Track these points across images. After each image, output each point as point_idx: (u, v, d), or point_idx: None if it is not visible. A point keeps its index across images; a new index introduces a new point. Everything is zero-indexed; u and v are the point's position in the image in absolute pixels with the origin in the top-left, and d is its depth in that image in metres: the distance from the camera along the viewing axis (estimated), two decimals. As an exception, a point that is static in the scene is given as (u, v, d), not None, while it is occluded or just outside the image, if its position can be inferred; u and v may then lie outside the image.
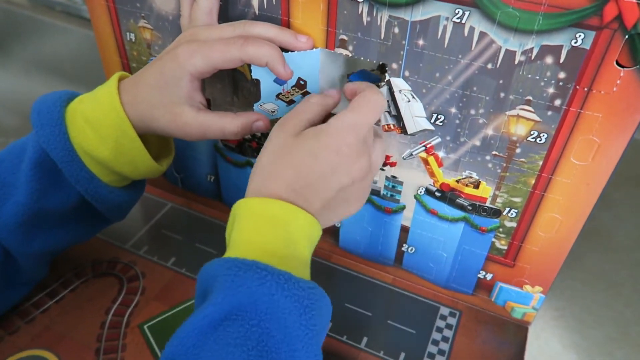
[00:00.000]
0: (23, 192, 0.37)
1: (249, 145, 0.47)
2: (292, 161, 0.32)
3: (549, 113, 0.33)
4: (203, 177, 0.53)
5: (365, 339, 0.43)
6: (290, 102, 0.39)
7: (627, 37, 0.28)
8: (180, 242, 0.52)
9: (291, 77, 0.37)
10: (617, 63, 0.29)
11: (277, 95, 0.39)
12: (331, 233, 0.49)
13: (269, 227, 0.31)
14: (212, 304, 0.28)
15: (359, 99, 0.34)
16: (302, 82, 0.38)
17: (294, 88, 0.38)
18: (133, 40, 0.46)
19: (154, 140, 0.42)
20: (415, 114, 0.37)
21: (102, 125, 0.36)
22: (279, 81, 0.38)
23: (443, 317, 0.46)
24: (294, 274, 0.30)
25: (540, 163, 0.35)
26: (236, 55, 0.35)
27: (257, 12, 0.38)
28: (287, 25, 0.37)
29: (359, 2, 0.34)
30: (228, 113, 0.38)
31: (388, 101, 0.37)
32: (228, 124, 0.38)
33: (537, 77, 0.32)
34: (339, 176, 0.33)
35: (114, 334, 0.43)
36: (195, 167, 0.52)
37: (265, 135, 0.43)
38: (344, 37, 0.36)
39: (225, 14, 0.39)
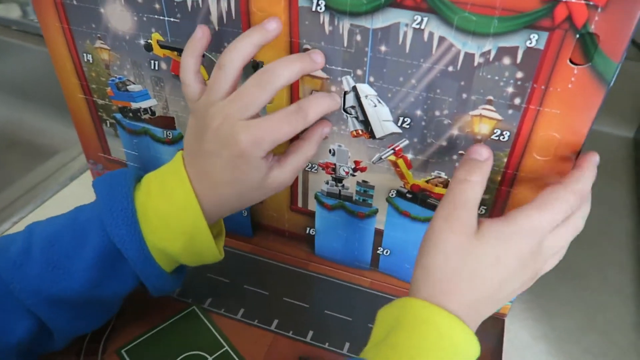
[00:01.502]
0: (79, 280, 0.36)
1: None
2: (469, 270, 0.30)
3: (510, 112, 0.34)
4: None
5: (347, 345, 0.43)
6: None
7: (578, 36, 0.30)
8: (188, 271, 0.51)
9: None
10: (571, 61, 0.31)
11: None
12: (307, 241, 0.49)
13: (447, 354, 0.29)
14: None
15: (547, 195, 0.31)
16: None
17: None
18: (90, 61, 0.45)
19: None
20: (382, 118, 0.38)
21: (175, 220, 0.36)
22: None
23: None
24: None
25: (505, 160, 0.36)
26: (301, 127, 0.35)
27: (217, 27, 0.38)
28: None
29: (319, 12, 0.34)
30: (298, 141, 0.38)
31: (355, 107, 0.38)
32: (308, 152, 0.38)
33: (497, 78, 0.33)
34: (513, 283, 0.31)
35: (91, 362, 0.42)
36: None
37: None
38: (308, 46, 0.36)
39: (184, 31, 0.39)
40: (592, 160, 0.32)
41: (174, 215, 0.36)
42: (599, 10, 0.28)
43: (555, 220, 0.31)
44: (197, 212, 0.36)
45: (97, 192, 0.37)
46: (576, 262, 0.52)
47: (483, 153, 0.32)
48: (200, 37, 0.36)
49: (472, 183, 0.31)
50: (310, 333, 0.44)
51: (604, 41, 0.29)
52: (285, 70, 0.34)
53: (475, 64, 0.33)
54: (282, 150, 0.39)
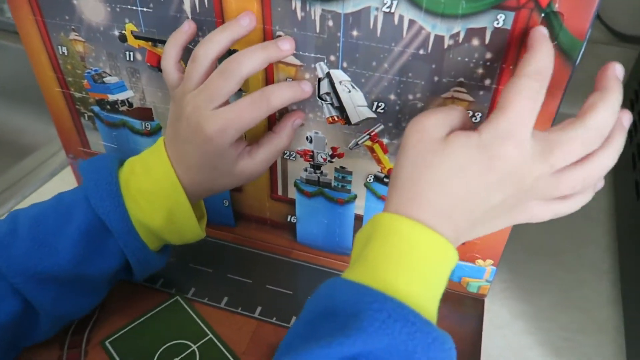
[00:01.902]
0: (65, 256, 0.37)
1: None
2: (435, 179, 0.29)
3: (481, 93, 0.34)
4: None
5: (330, 329, 0.44)
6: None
7: (543, 15, 0.30)
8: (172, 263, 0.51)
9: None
10: (537, 40, 0.31)
11: None
12: (288, 229, 0.49)
13: (418, 262, 0.28)
14: (350, 343, 0.26)
15: (508, 91, 0.29)
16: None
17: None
18: (66, 53, 0.45)
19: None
20: (357, 104, 0.38)
21: (157, 197, 0.38)
22: None
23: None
24: (434, 322, 0.28)
25: (478, 141, 0.37)
26: (264, 113, 0.36)
27: (190, 16, 0.38)
28: (223, 26, 0.37)
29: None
30: (270, 133, 0.39)
31: (330, 93, 0.38)
32: (280, 144, 0.39)
33: (467, 59, 0.33)
34: (493, 194, 0.29)
35: (74, 353, 0.42)
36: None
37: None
38: (281, 33, 0.36)
39: (158, 21, 0.39)
40: (538, 32, 0.30)
41: (155, 191, 0.38)
42: (562, -10, 0.29)
43: (524, 118, 0.28)
44: (177, 187, 0.37)
45: (81, 170, 0.39)
46: (553, 240, 0.53)
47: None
48: (186, 30, 0.37)
49: (455, 109, 0.31)
50: (294, 319, 0.45)
51: (568, 20, 0.30)
52: (248, 60, 0.35)
53: (445, 46, 0.33)
54: (257, 139, 0.40)
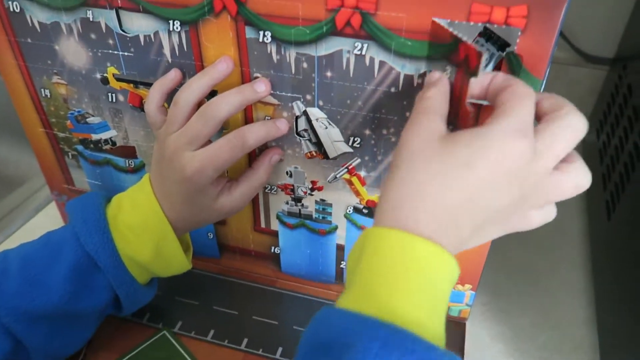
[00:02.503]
0: (56, 294, 0.38)
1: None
2: (441, 179, 0.26)
3: (450, 127, 0.36)
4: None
5: (316, 358, 0.45)
6: None
7: (503, 55, 0.32)
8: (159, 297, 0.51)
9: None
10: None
11: None
12: (272, 260, 0.50)
13: (414, 279, 0.26)
14: None
15: (507, 97, 0.27)
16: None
17: None
18: (49, 96, 0.45)
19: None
20: (334, 139, 0.39)
21: (145, 231, 0.39)
22: None
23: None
24: (441, 342, 0.26)
25: (451, 172, 0.38)
26: (240, 152, 0.37)
27: (170, 59, 0.39)
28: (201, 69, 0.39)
29: (266, 43, 0.36)
30: (248, 169, 0.41)
31: (307, 130, 0.39)
32: (258, 180, 0.41)
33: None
34: (501, 194, 0.27)
35: (62, 394, 0.42)
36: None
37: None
38: (258, 75, 0.38)
39: (139, 64, 0.40)
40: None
41: (143, 226, 0.39)
42: (519, 33, 0.31)
43: (529, 119, 0.27)
44: (163, 221, 0.39)
45: (69, 209, 0.40)
46: (531, 261, 0.55)
47: (434, 75, 0.31)
48: (172, 78, 0.39)
49: (429, 98, 0.30)
50: (280, 349, 0.45)
51: (527, 61, 0.32)
52: (225, 104, 0.36)
53: (415, 84, 0.35)
54: (238, 174, 0.41)
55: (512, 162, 0.26)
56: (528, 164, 0.27)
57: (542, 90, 0.33)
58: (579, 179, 0.29)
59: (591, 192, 0.60)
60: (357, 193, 0.42)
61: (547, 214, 0.30)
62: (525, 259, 0.55)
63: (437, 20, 0.32)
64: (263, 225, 0.47)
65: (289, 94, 0.38)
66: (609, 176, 0.53)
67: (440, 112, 0.30)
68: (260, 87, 0.37)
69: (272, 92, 0.38)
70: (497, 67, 0.33)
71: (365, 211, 0.43)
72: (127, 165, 0.48)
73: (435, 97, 0.30)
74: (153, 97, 0.39)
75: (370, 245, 0.27)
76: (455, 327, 0.48)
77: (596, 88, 0.66)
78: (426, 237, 0.26)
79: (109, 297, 0.40)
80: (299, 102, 0.38)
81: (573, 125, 0.28)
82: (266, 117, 0.40)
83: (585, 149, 0.68)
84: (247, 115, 0.40)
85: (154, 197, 0.39)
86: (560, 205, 0.63)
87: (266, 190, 0.45)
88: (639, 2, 0.58)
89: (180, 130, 0.37)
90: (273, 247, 0.49)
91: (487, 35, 0.33)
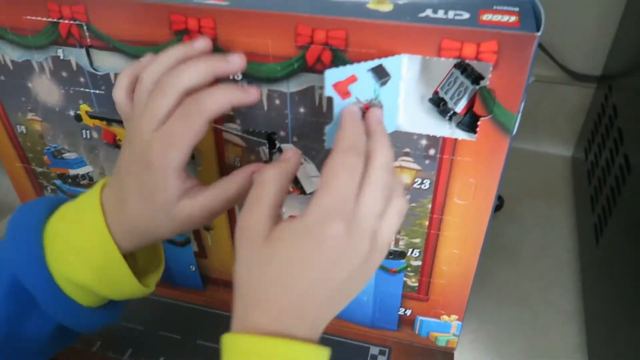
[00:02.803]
0: None
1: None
2: (270, 278, 0.28)
3: (427, 162, 0.35)
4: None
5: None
6: None
7: (477, 88, 0.31)
8: (141, 332, 0.50)
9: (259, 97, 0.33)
10: (475, 113, 0.32)
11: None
12: (256, 291, 0.49)
13: None
14: None
15: (324, 174, 0.28)
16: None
17: None
18: (24, 132, 0.45)
19: (141, 254, 0.39)
20: (310, 175, 0.39)
21: (84, 249, 0.34)
22: None
23: (374, 357, 0.47)
24: None
25: (430, 206, 0.38)
26: (201, 124, 0.31)
27: (142, 97, 0.39)
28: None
29: (237, 80, 0.35)
30: (223, 179, 0.34)
31: (283, 165, 0.39)
32: (225, 192, 0.34)
33: (410, 131, 0.34)
34: (334, 275, 0.28)
35: None
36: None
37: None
38: (230, 112, 0.37)
39: (110, 102, 0.40)
40: (347, 112, 0.31)
41: (82, 241, 0.34)
42: (491, 68, 0.30)
43: (346, 192, 0.28)
44: (105, 236, 0.33)
45: (9, 221, 0.35)
46: (519, 284, 0.54)
47: (287, 154, 0.32)
48: (144, 63, 0.33)
49: (264, 182, 0.30)
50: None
51: (500, 95, 0.31)
52: (187, 72, 0.31)
53: (389, 120, 0.34)
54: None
55: (333, 244, 0.27)
56: (352, 240, 0.28)
57: (516, 124, 0.32)
58: (395, 218, 0.30)
59: (580, 214, 0.59)
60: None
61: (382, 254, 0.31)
62: (514, 284, 0.54)
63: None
64: (244, 258, 0.47)
65: (262, 131, 0.37)
66: (597, 198, 0.52)
67: (274, 202, 0.30)
68: (234, 59, 0.32)
69: (245, 128, 0.38)
70: (470, 102, 0.32)
71: (345, 244, 0.42)
72: (106, 199, 0.47)
73: (273, 182, 0.30)
74: (121, 82, 0.34)
75: (225, 355, 0.28)
76: (444, 357, 0.47)
77: (584, 106, 0.66)
78: (275, 334, 0.27)
79: (53, 323, 0.36)
80: (264, 147, 0.38)
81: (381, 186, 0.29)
82: (236, 158, 0.39)
83: (574, 168, 0.67)
84: (220, 156, 0.40)
85: (100, 206, 0.33)
86: (549, 225, 0.62)
87: (245, 225, 0.44)
88: (623, 20, 0.57)
89: (141, 110, 0.32)
90: (256, 280, 0.48)
91: (462, 67, 0.32)
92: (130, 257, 0.36)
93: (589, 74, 0.65)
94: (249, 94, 0.32)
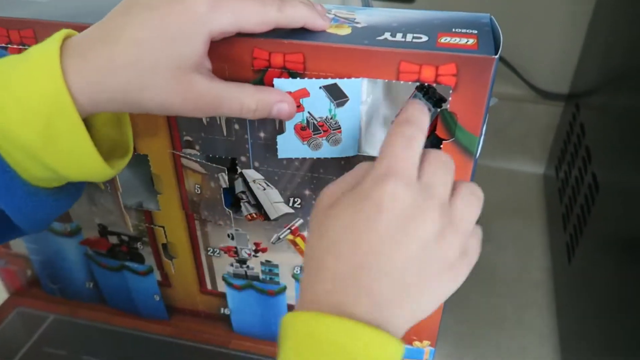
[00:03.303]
0: None
1: (120, 250, 0.45)
2: (331, 242, 0.25)
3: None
4: (81, 285, 0.50)
5: None
6: None
7: (439, 111, 0.31)
8: (66, 358, 0.48)
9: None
10: (437, 136, 0.32)
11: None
12: (223, 320, 0.48)
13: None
14: None
15: (383, 143, 0.27)
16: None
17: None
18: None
19: (106, 132, 0.32)
20: (273, 200, 0.38)
21: (27, 95, 0.26)
22: None
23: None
24: None
25: (396, 231, 0.37)
26: (272, 18, 0.28)
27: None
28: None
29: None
30: (247, 85, 0.30)
31: (245, 192, 0.38)
32: (248, 97, 0.29)
33: (374, 155, 0.34)
34: (399, 243, 0.24)
35: None
36: (71, 275, 0.49)
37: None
38: (189, 138, 0.36)
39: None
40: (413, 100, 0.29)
41: (25, 83, 0.26)
42: (451, 91, 0.30)
43: (404, 156, 0.26)
44: (55, 78, 0.26)
45: None
46: (494, 305, 0.53)
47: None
48: None
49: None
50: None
51: (462, 118, 0.30)
52: None
53: (351, 144, 0.33)
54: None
55: (391, 206, 0.24)
56: (413, 204, 0.25)
57: (479, 146, 0.32)
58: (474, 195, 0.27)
59: (553, 233, 0.58)
60: (303, 253, 0.40)
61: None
62: (490, 303, 0.53)
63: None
64: (209, 287, 0.45)
65: (223, 157, 0.36)
66: (569, 217, 0.52)
67: (344, 184, 0.28)
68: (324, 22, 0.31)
69: (204, 154, 0.36)
70: (433, 125, 0.32)
71: (312, 271, 0.41)
72: (64, 229, 0.45)
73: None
74: None
75: (283, 334, 0.25)
76: (418, 385, 0.45)
77: (553, 124, 0.66)
78: (333, 308, 0.24)
79: None
80: (223, 173, 0.37)
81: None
82: (196, 185, 0.38)
83: (546, 186, 0.67)
84: (179, 181, 0.38)
85: (58, 46, 0.26)
86: (522, 244, 0.61)
87: (208, 253, 0.42)
88: (588, 38, 0.58)
89: None
90: (222, 308, 0.47)
91: (424, 90, 0.32)
92: (93, 139, 0.28)
93: (557, 92, 0.65)
94: (324, 22, 0.31)
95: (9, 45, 0.35)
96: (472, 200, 0.27)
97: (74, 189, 0.33)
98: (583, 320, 0.43)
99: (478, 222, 0.28)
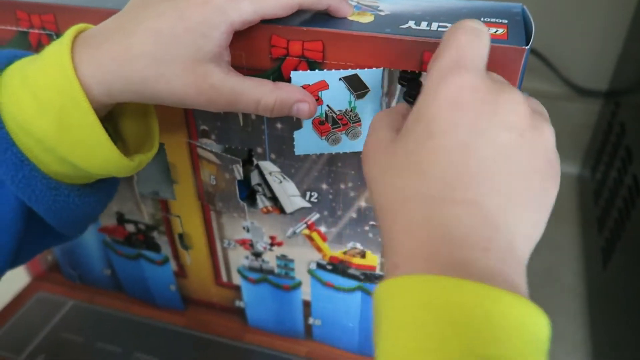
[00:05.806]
0: None
1: (137, 238, 0.45)
2: (402, 168, 0.23)
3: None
4: (99, 272, 0.50)
5: None
6: None
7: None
8: (82, 345, 0.48)
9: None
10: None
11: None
12: (238, 313, 0.47)
13: (439, 332, 0.19)
14: None
15: (446, 35, 0.24)
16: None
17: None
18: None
19: (131, 129, 0.32)
20: (289, 194, 0.37)
21: (41, 88, 0.26)
22: None
23: (361, 385, 0.44)
24: None
25: (416, 230, 0.35)
26: (294, 4, 0.27)
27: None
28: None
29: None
30: (266, 81, 0.29)
31: (261, 184, 0.37)
32: (266, 94, 0.28)
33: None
34: (485, 139, 0.22)
35: None
36: (89, 262, 0.50)
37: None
38: (205, 127, 0.35)
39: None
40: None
41: (39, 76, 0.26)
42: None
43: (470, 46, 0.23)
44: (66, 70, 0.26)
45: None
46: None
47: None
48: None
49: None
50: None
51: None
52: None
53: (370, 138, 0.32)
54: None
55: (466, 97, 0.22)
56: (487, 95, 0.22)
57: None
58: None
59: (586, 236, 0.56)
60: (319, 249, 0.39)
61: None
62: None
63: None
64: (224, 279, 0.44)
65: (239, 147, 0.35)
66: (605, 220, 0.49)
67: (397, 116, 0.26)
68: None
69: (220, 144, 0.36)
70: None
71: (329, 267, 0.40)
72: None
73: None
74: None
75: (376, 309, 0.21)
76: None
77: (590, 123, 0.63)
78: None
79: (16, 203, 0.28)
80: (238, 165, 0.36)
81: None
82: (211, 176, 0.37)
83: (580, 188, 0.64)
84: (195, 170, 0.38)
85: (70, 40, 0.26)
86: (555, 247, 0.58)
87: (224, 245, 0.42)
88: (631, 32, 0.54)
89: None
90: (237, 301, 0.46)
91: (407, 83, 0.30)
92: (117, 135, 0.30)
93: (595, 89, 0.62)
94: (348, 8, 0.30)
95: (31, 30, 0.35)
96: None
97: (102, 190, 0.32)
98: (617, 330, 0.41)
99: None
